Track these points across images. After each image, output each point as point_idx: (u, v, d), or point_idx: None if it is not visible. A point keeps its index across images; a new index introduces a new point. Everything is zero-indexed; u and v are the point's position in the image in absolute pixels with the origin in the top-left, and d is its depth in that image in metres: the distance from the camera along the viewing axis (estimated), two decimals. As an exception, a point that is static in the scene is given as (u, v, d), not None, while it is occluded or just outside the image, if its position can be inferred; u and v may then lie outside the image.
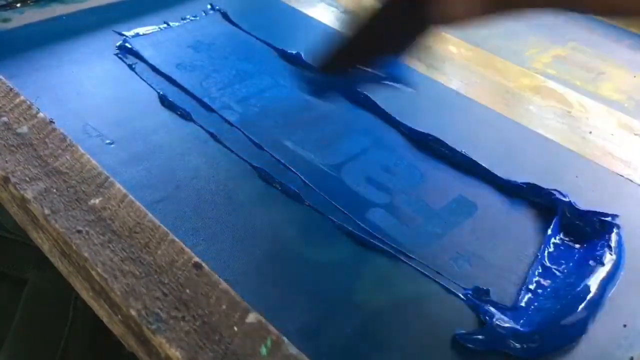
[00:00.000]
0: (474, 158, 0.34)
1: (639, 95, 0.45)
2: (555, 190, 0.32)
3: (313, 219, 0.29)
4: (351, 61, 0.32)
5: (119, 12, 0.44)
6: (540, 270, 0.28)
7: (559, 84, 0.44)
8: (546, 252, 0.29)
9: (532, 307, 0.26)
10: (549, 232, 0.30)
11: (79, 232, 0.23)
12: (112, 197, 0.25)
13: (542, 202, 0.32)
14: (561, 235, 0.30)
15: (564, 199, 0.31)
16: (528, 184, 0.32)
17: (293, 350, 0.20)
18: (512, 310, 0.26)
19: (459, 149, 0.34)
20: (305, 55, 0.41)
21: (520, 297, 0.27)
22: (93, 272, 0.22)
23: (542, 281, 0.28)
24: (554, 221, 0.31)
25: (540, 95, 0.43)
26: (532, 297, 0.27)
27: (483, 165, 0.34)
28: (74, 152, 0.27)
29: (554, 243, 0.30)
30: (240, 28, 0.45)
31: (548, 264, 0.28)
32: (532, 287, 0.27)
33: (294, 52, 0.41)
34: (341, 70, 0.32)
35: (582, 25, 0.54)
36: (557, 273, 0.28)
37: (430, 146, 0.35)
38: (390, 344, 0.24)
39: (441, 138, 0.35)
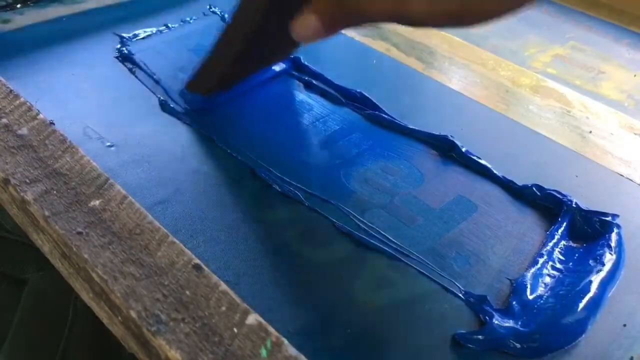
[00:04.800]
0: (474, 158, 0.34)
1: (639, 95, 0.45)
2: (555, 190, 0.32)
3: (313, 220, 0.29)
4: (220, 82, 0.35)
5: (118, 14, 0.44)
6: (540, 270, 0.28)
7: (558, 83, 0.44)
8: (546, 251, 0.29)
9: (532, 307, 0.26)
10: (549, 231, 0.30)
11: (79, 233, 0.23)
12: (112, 198, 0.25)
13: (542, 202, 0.32)
14: (561, 235, 0.30)
15: (564, 199, 0.31)
16: (529, 185, 0.32)
17: (293, 351, 0.20)
18: (511, 310, 0.26)
19: (458, 149, 0.35)
20: (304, 58, 0.41)
21: (520, 297, 0.27)
22: (93, 274, 0.22)
23: (542, 281, 0.28)
24: (554, 221, 0.31)
25: (540, 94, 0.43)
26: (532, 297, 0.27)
27: (484, 164, 0.34)
28: (74, 153, 0.27)
29: (554, 243, 0.30)
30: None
31: (548, 264, 0.28)
32: (532, 286, 0.27)
33: (292, 54, 0.41)
34: (210, 91, 0.35)
35: (582, 25, 0.54)
36: (557, 273, 0.28)
37: (429, 146, 0.35)
38: (390, 344, 0.24)
39: (441, 138, 0.35)
